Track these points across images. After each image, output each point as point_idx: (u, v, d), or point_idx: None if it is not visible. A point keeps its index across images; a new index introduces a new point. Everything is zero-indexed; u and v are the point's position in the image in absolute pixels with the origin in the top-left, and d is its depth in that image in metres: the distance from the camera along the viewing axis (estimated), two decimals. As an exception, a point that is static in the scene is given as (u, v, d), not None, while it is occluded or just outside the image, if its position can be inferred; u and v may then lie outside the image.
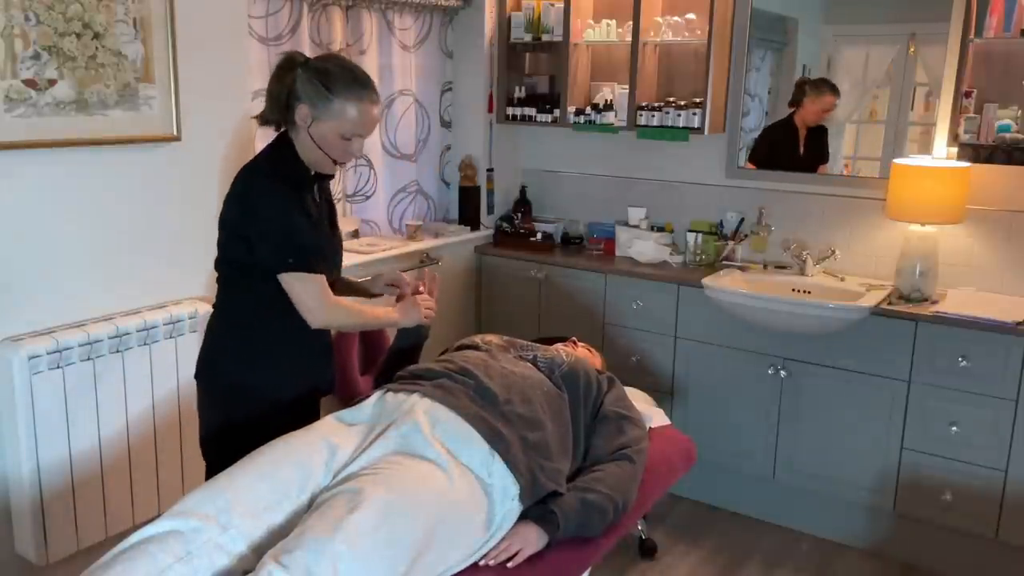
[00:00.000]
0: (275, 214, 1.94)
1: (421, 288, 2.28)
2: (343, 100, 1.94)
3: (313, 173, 2.05)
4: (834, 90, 3.24)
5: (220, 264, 2.06)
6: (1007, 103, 2.87)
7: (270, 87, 1.99)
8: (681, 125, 3.35)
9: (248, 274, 2.00)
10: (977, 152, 2.91)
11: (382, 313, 2.18)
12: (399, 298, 2.29)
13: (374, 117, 2.01)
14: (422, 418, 1.93)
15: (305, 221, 1.98)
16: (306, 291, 1.97)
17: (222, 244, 2.03)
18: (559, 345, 2.63)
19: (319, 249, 2.02)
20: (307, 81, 1.94)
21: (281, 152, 2.01)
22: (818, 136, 3.30)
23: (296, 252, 1.95)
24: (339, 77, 1.94)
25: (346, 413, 2.01)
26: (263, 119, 2.05)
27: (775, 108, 3.40)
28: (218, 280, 2.09)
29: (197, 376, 2.13)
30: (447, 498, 1.81)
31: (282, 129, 2.03)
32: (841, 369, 2.97)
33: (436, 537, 1.75)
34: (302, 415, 2.08)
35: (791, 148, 3.32)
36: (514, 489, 1.94)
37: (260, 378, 2.05)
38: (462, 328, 3.64)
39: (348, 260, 2.64)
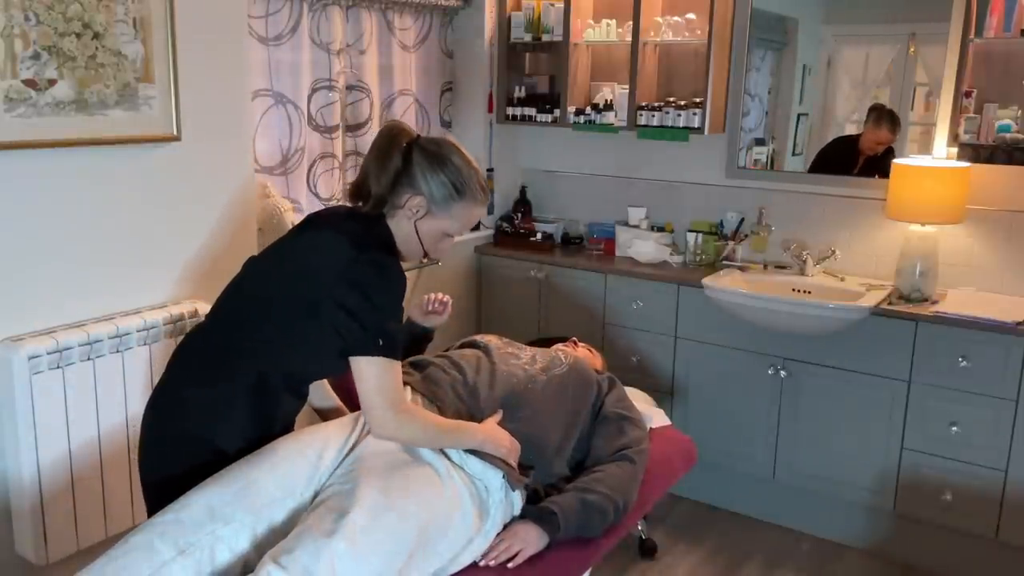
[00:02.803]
0: (397, 296, 1.77)
1: (440, 296, 2.38)
2: (466, 203, 1.85)
3: None
4: (894, 125, 3.13)
5: (264, 306, 1.81)
6: (1007, 103, 2.87)
7: (378, 159, 1.80)
8: (681, 125, 3.35)
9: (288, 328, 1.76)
10: (977, 152, 2.91)
11: (465, 425, 1.96)
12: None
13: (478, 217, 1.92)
14: None
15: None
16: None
17: (285, 295, 1.78)
18: (559, 345, 2.63)
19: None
20: (431, 173, 1.80)
21: (383, 237, 1.82)
22: (878, 162, 3.15)
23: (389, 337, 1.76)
24: (468, 179, 1.84)
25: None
26: (360, 194, 1.85)
27: (775, 108, 3.40)
28: (229, 319, 1.87)
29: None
30: (442, 495, 1.82)
31: (358, 203, 1.86)
32: (841, 369, 2.97)
33: (431, 533, 1.76)
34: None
35: (846, 167, 3.22)
36: (496, 480, 1.94)
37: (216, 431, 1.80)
38: (462, 328, 3.63)
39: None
